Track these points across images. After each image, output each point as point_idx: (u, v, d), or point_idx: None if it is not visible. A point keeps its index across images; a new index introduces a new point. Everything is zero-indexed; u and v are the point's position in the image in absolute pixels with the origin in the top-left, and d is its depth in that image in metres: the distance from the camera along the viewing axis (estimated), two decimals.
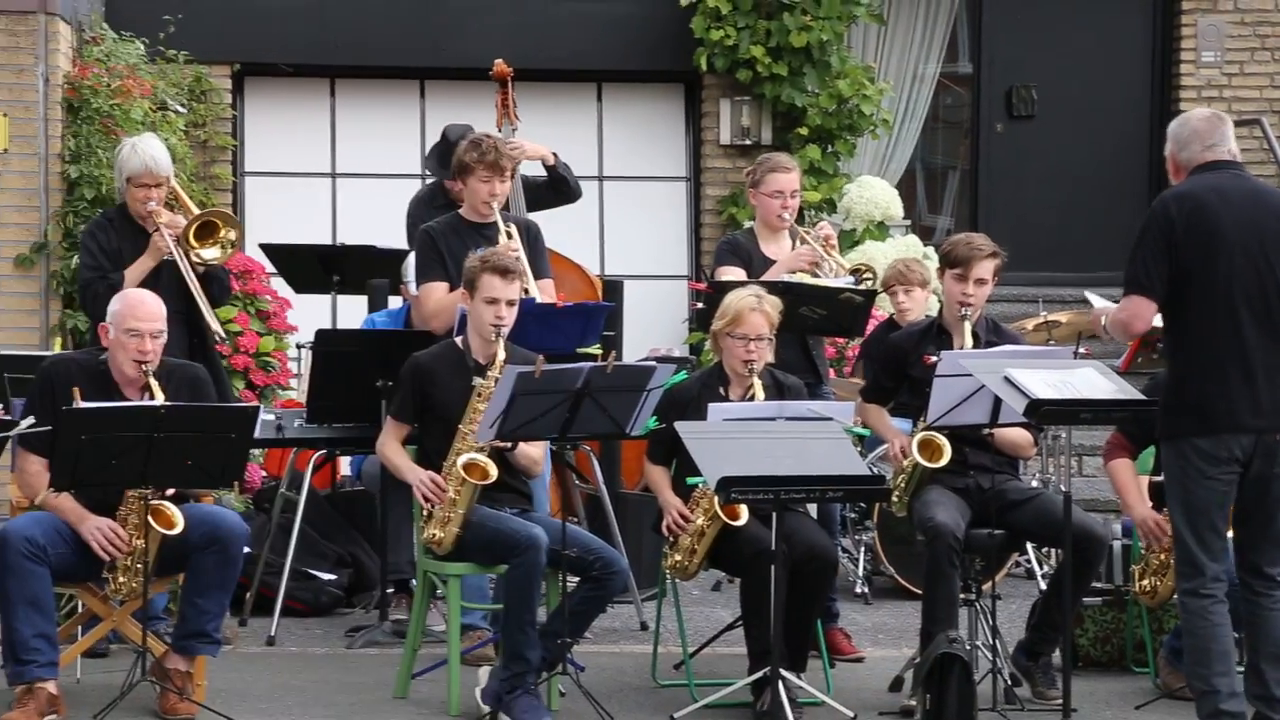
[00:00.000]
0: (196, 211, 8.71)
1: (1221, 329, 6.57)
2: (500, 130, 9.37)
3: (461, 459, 7.26)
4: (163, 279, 8.40)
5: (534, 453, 7.51)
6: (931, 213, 14.49)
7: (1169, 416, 6.66)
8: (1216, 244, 6.57)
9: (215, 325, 8.87)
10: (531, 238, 8.40)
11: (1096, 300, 7.28)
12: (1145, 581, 7.78)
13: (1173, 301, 6.64)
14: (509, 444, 7.30)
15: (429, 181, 10.08)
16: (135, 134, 9.62)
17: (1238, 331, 6.56)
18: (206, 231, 8.59)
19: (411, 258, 8.97)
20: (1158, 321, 6.78)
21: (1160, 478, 7.56)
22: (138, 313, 7.28)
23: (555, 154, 9.60)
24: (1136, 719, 7.48)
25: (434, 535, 7.33)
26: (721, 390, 7.70)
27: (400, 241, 9.66)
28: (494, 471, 7.24)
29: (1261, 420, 6.54)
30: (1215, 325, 6.58)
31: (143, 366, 7.22)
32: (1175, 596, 7.79)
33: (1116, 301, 6.98)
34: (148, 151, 8.52)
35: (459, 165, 8.33)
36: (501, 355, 7.35)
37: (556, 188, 9.56)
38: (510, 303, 7.45)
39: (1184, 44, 13.83)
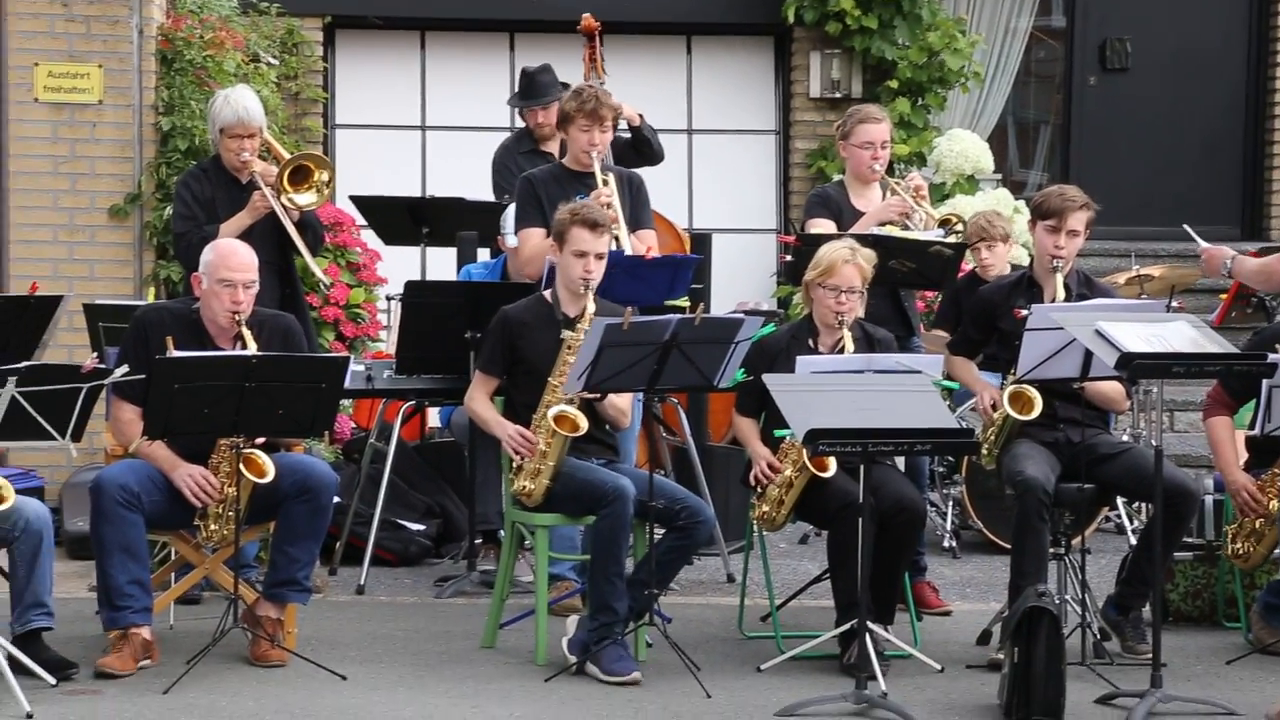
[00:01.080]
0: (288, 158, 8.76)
1: None
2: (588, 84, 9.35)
3: (552, 411, 7.28)
4: (256, 229, 8.47)
5: (621, 404, 7.52)
6: (1023, 167, 14.37)
7: None
8: None
9: (321, 275, 8.94)
10: (634, 189, 8.42)
11: (1201, 239, 7.10)
12: (1238, 545, 7.73)
13: None
14: (598, 395, 7.32)
15: (517, 127, 10.10)
16: (228, 85, 9.66)
17: None
18: (300, 176, 8.65)
19: (511, 209, 9.00)
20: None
21: (1255, 432, 7.53)
22: (230, 263, 7.33)
23: (642, 115, 9.60)
24: (1228, 674, 7.43)
25: (524, 487, 7.36)
26: (811, 342, 7.69)
27: (488, 192, 9.67)
28: (584, 424, 7.26)
29: None
30: None
31: (235, 316, 7.27)
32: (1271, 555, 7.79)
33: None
34: (241, 102, 8.58)
35: (561, 114, 8.38)
36: (591, 308, 7.36)
37: (639, 149, 9.55)
38: (599, 256, 7.45)
39: None
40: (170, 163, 10.47)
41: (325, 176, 8.67)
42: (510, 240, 8.84)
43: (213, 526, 7.20)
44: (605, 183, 8.19)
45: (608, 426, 7.60)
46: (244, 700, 6.80)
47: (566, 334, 7.36)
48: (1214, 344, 6.92)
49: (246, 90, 8.85)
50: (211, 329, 7.39)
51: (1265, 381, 7.27)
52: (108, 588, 7.07)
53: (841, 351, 7.54)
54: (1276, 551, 7.84)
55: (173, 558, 7.71)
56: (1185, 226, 7.42)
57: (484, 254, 9.79)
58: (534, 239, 8.31)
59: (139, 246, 10.56)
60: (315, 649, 7.37)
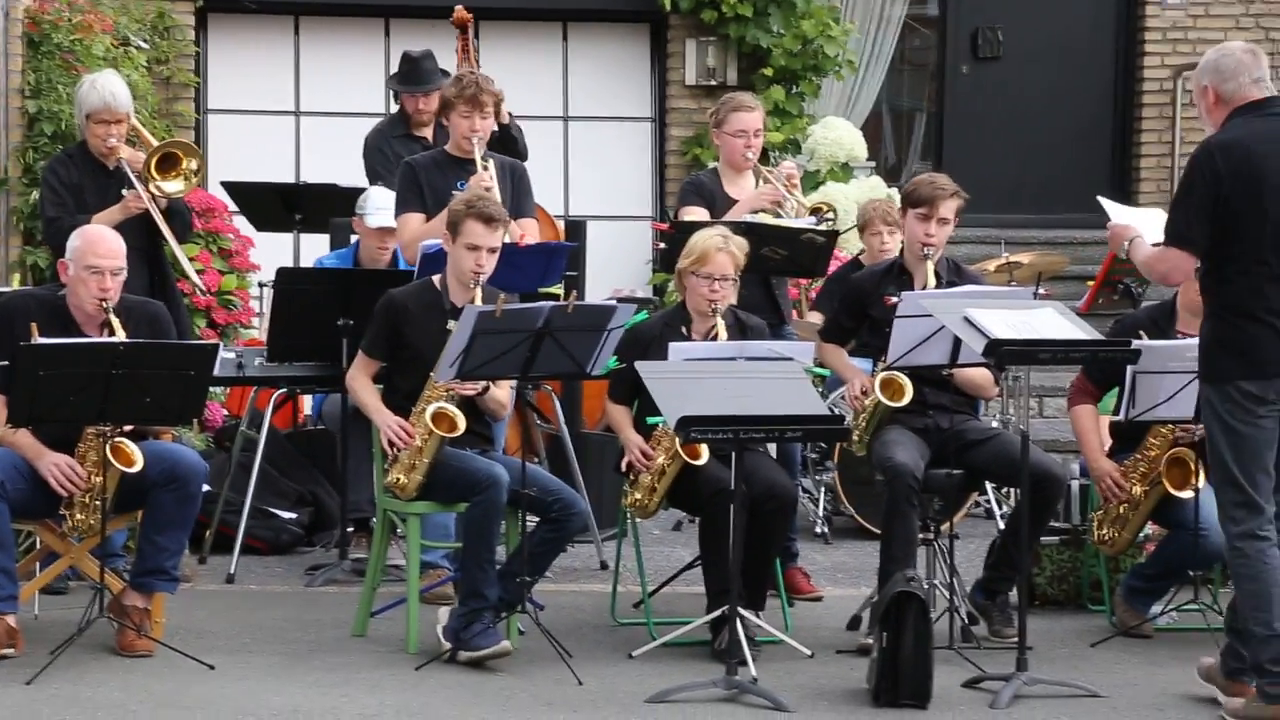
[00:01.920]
0: (156, 144, 8.68)
1: (1268, 275, 6.37)
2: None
3: (430, 408, 7.25)
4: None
5: (502, 396, 7.50)
6: (897, 155, 14.48)
7: (1213, 360, 6.48)
8: (1265, 193, 6.36)
9: (192, 274, 8.89)
10: (516, 178, 8.41)
11: (1114, 209, 7.10)
12: (1104, 531, 7.81)
13: (1217, 247, 6.45)
14: (480, 388, 7.29)
15: (390, 113, 10.07)
16: (96, 70, 9.56)
17: None
18: (168, 164, 8.58)
19: (372, 191, 8.98)
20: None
21: (1119, 417, 7.63)
22: (98, 249, 7.26)
23: (510, 114, 9.60)
24: (1092, 656, 7.53)
25: (398, 480, 7.33)
26: (684, 330, 7.71)
27: (361, 179, 9.62)
28: (462, 424, 7.23)
29: None
30: (1261, 271, 6.38)
31: (102, 304, 7.20)
32: (1141, 539, 7.91)
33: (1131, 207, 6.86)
34: (107, 88, 8.50)
35: (442, 101, 8.40)
36: (479, 302, 7.32)
37: (506, 146, 9.53)
38: (492, 250, 7.41)
39: None
40: (37, 147, 10.35)
41: (194, 165, 8.61)
42: (370, 220, 8.83)
43: (79, 515, 7.12)
44: (485, 168, 8.16)
45: (486, 417, 7.58)
46: (109, 690, 6.72)
47: (452, 325, 7.30)
48: (1080, 330, 6.99)
49: (113, 75, 8.77)
50: (78, 316, 7.31)
51: (1130, 367, 7.36)
52: None
53: (715, 339, 7.56)
54: (1140, 536, 7.97)
55: (38, 546, 7.61)
56: (1100, 199, 7.43)
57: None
58: (413, 224, 8.28)
59: (4, 232, 10.42)
60: (183, 638, 7.30)
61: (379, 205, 8.90)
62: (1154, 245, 6.68)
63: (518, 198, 8.31)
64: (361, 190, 9.54)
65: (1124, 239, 6.83)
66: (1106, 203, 7.32)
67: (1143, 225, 6.91)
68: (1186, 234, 6.46)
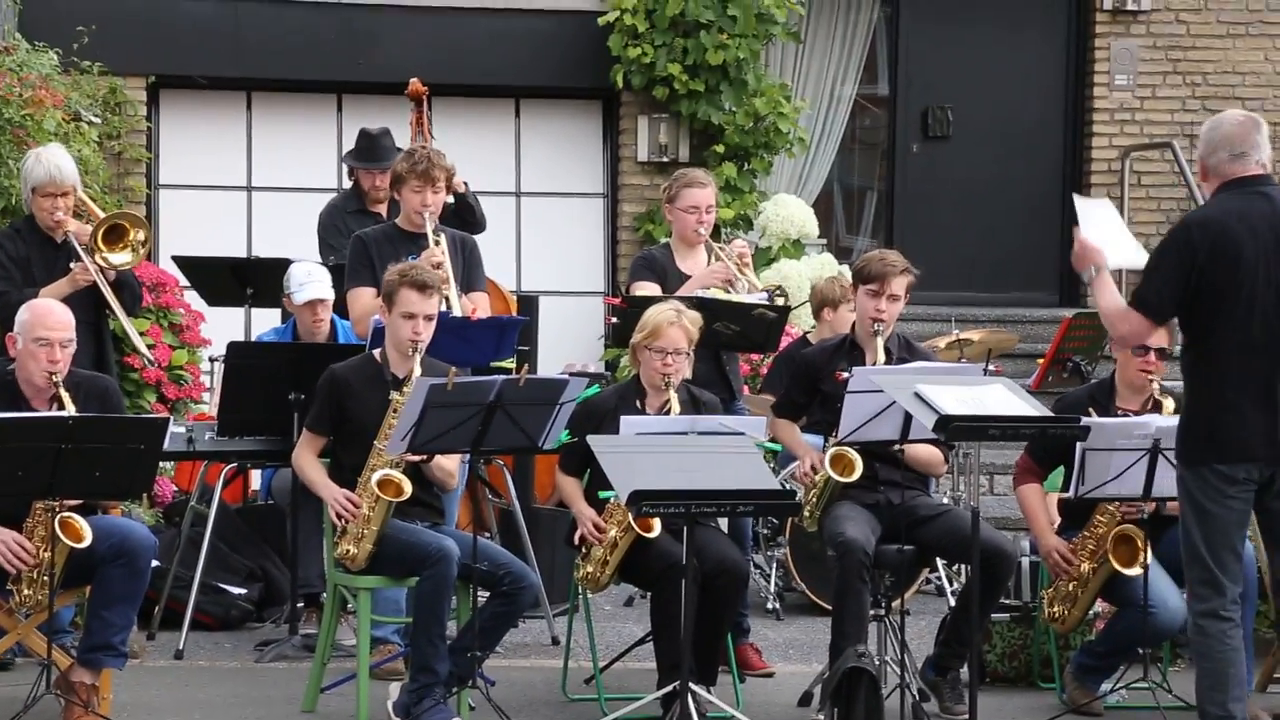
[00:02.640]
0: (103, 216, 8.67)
1: (1240, 360, 6.41)
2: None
3: (376, 475, 7.24)
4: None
5: (449, 465, 7.49)
6: (849, 233, 14.55)
7: (1187, 443, 6.52)
8: (1239, 274, 6.38)
9: (141, 346, 8.86)
10: (467, 251, 8.41)
11: (1086, 213, 7.00)
12: (1055, 608, 7.82)
13: (1193, 327, 6.50)
14: (425, 457, 7.29)
15: (344, 188, 10.09)
16: (46, 144, 9.53)
17: (1257, 363, 6.40)
18: (115, 235, 8.56)
19: (294, 268, 8.99)
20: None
21: (1068, 494, 7.65)
22: (47, 321, 7.24)
23: (466, 184, 9.62)
24: None
25: (348, 551, 7.31)
26: (638, 403, 7.72)
27: (313, 254, 9.62)
28: (409, 488, 7.22)
29: (1277, 451, 6.40)
30: (1234, 356, 6.41)
31: (52, 376, 7.16)
32: (1091, 617, 7.91)
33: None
34: (52, 161, 8.50)
35: (393, 176, 8.39)
36: (418, 370, 7.32)
37: (462, 216, 9.56)
38: (428, 318, 7.44)
39: (1097, 67, 13.98)
40: None
41: (141, 236, 8.59)
42: (297, 297, 8.84)
43: (26, 591, 7.05)
44: (437, 243, 8.18)
45: (435, 489, 7.57)
46: None
47: (394, 396, 7.32)
48: (1031, 407, 7.01)
49: (58, 149, 8.77)
50: (27, 390, 7.27)
51: (1080, 444, 7.39)
52: None
53: (668, 413, 7.57)
54: (1090, 613, 7.98)
55: None
56: (1075, 196, 7.37)
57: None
58: (364, 298, 8.27)
59: None
60: (132, 715, 7.26)
61: (301, 280, 8.94)
62: (1116, 297, 6.63)
63: (469, 270, 8.32)
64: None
65: (1092, 264, 6.76)
66: (1081, 202, 7.25)
67: (1113, 244, 6.88)
68: (1154, 301, 6.49)
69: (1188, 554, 6.53)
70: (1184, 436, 6.57)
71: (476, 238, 8.80)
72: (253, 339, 9.56)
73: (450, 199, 9.48)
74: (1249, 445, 6.41)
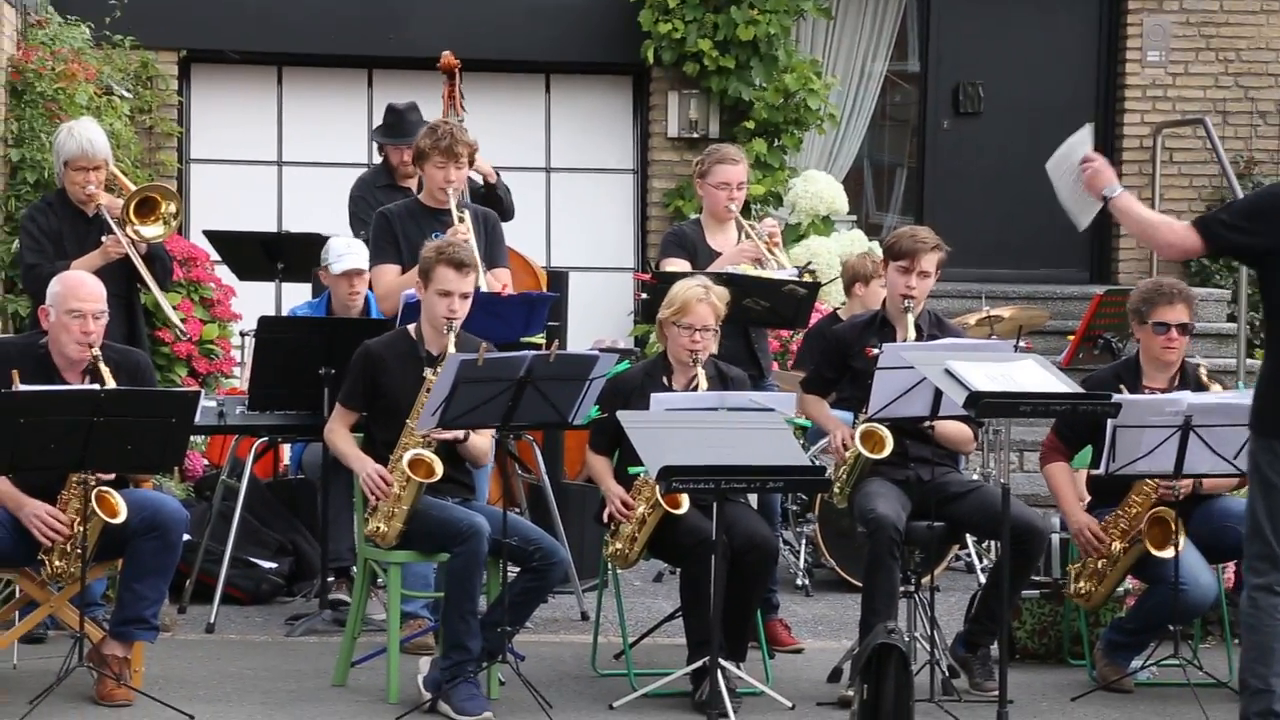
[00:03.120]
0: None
1: None
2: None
3: (408, 455, 7.24)
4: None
5: (483, 444, 7.50)
6: (879, 209, 14.52)
7: (1262, 414, 6.43)
8: None
9: (174, 318, 8.88)
10: (489, 227, 8.40)
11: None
12: (1081, 584, 7.81)
13: (1272, 297, 6.45)
14: (461, 435, 7.29)
15: (374, 163, 10.10)
16: (77, 118, 9.57)
17: None
18: (146, 208, 8.59)
19: (334, 240, 8.99)
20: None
21: (1098, 471, 7.64)
22: (79, 294, 7.25)
23: (498, 172, 9.62)
24: (1072, 711, 7.53)
25: (378, 529, 7.32)
26: (665, 379, 7.72)
27: (344, 228, 9.64)
28: (440, 469, 7.22)
29: None
30: None
31: (90, 348, 7.18)
32: (1121, 593, 7.91)
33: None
34: (84, 135, 8.52)
35: (416, 151, 8.36)
36: (453, 348, 7.32)
37: (491, 206, 9.54)
38: (464, 296, 7.42)
39: (1129, 43, 13.91)
40: (19, 195, 10.36)
41: (172, 208, 8.62)
42: (334, 267, 8.85)
43: (58, 563, 7.08)
44: (461, 219, 8.18)
45: (467, 465, 7.58)
46: None
47: (429, 373, 7.31)
48: (1061, 383, 7.00)
49: (90, 122, 8.79)
50: (60, 363, 7.30)
51: (1110, 421, 7.38)
52: None
53: (695, 389, 7.58)
54: (1119, 590, 7.97)
55: (17, 595, 7.58)
56: (1088, 126, 7.22)
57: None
58: (388, 275, 8.28)
59: None
60: (163, 688, 7.27)
61: (340, 252, 8.94)
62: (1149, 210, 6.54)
63: (491, 246, 8.31)
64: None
65: (1107, 182, 6.67)
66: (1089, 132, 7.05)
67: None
68: (1216, 228, 6.42)
69: (1250, 527, 6.48)
70: (1258, 407, 6.47)
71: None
72: (286, 313, 9.56)
73: (479, 180, 9.51)
74: None
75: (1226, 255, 6.36)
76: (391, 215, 8.36)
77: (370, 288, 8.74)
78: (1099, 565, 7.75)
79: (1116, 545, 7.69)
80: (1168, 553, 7.53)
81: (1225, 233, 6.45)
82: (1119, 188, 6.68)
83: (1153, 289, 7.91)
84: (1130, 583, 8.05)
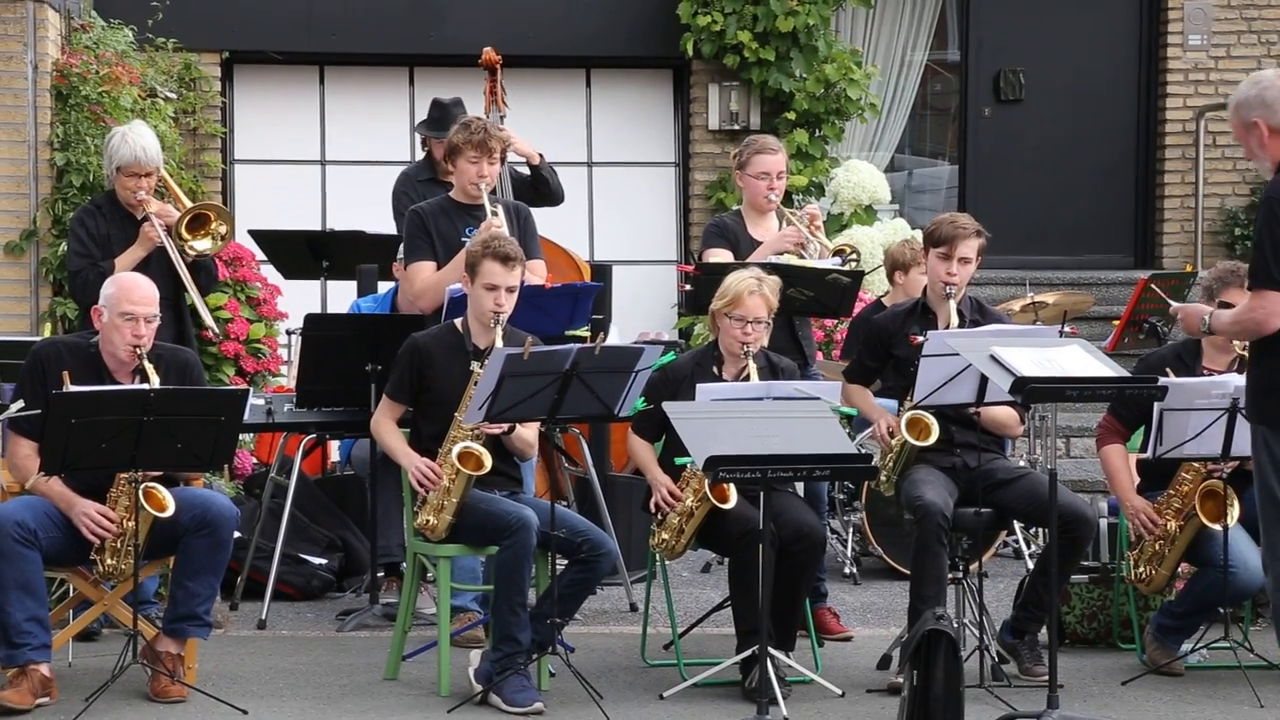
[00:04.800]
0: (185, 200, 8.79)
1: None
2: (489, 118, 9.39)
3: (456, 448, 7.28)
4: (152, 265, 8.48)
5: (529, 435, 7.53)
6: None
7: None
8: None
9: (209, 319, 8.93)
10: (521, 220, 8.42)
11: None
12: (1141, 569, 7.78)
13: None
14: (506, 428, 7.33)
15: (417, 159, 10.15)
16: (124, 121, 9.66)
17: None
18: (198, 223, 8.67)
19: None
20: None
21: (1146, 455, 7.62)
22: (133, 296, 7.31)
23: (541, 155, 9.64)
24: (1123, 695, 7.52)
25: (428, 521, 7.36)
26: (715, 370, 7.74)
27: (388, 226, 9.69)
28: (489, 461, 7.25)
29: None
30: None
31: (137, 350, 7.24)
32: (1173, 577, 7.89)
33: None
34: (138, 142, 8.56)
35: (449, 147, 8.38)
36: (499, 342, 7.34)
37: (538, 188, 9.57)
38: (510, 290, 7.45)
39: (1171, 27, 13.87)
40: (66, 198, 10.45)
41: (223, 229, 8.70)
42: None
43: (110, 561, 7.15)
44: (494, 214, 8.20)
45: (514, 458, 7.61)
46: None
47: (475, 367, 7.34)
48: (1107, 368, 6.97)
49: (144, 128, 8.83)
50: (110, 363, 7.35)
51: (1157, 405, 7.37)
52: (5, 625, 7.00)
53: (746, 380, 7.58)
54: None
55: (71, 594, 7.64)
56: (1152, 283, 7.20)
57: (385, 286, 9.78)
58: (425, 272, 8.31)
59: (35, 283, 10.52)
60: (216, 684, 7.33)
61: None
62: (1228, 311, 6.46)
63: (525, 241, 8.31)
64: (389, 238, 9.61)
65: (1200, 316, 6.58)
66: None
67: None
68: None
69: (1275, 516, 6.32)
70: (1276, 397, 6.28)
71: (550, 212, 8.81)
72: (349, 307, 9.61)
73: (526, 168, 9.54)
74: None
75: None
76: (425, 212, 8.39)
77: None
78: (1156, 547, 7.71)
79: (1172, 524, 7.67)
80: (1227, 522, 7.48)
81: None
82: (1206, 318, 6.58)
83: (1228, 271, 7.78)
84: (1180, 567, 8.03)
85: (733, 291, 7.63)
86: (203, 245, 8.63)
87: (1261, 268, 6.21)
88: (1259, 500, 6.44)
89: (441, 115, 9.81)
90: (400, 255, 8.98)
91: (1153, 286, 10.14)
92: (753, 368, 7.61)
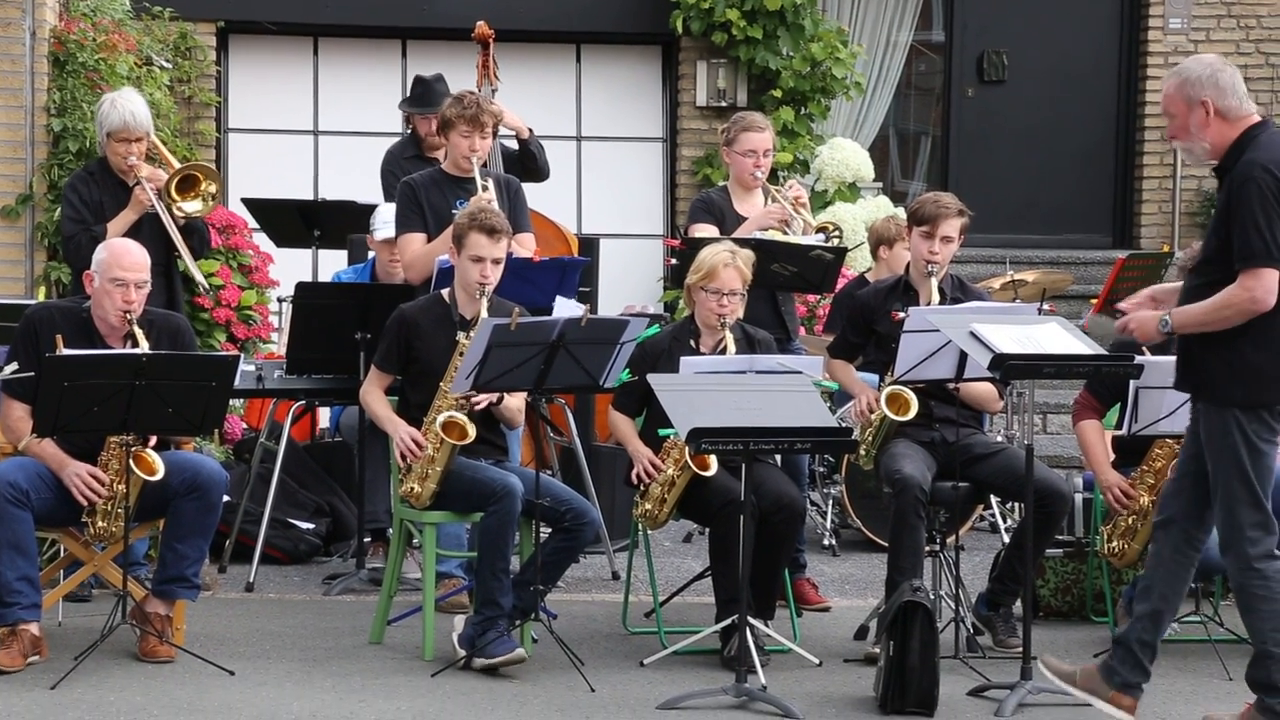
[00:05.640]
0: (177, 165, 8.83)
1: None
2: (480, 91, 9.47)
3: (441, 418, 7.37)
4: (144, 231, 8.51)
5: (517, 404, 7.61)
6: (904, 177, 14.62)
7: (1250, 384, 6.29)
8: None
9: (199, 276, 8.98)
10: (512, 193, 8.49)
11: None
12: (1114, 544, 7.85)
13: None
14: (495, 398, 7.43)
15: (404, 135, 10.23)
16: (119, 89, 9.70)
17: None
18: (188, 185, 8.72)
19: (382, 207, 9.11)
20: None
21: (1122, 432, 7.72)
22: (123, 262, 7.37)
23: (531, 130, 9.72)
24: None
25: (413, 489, 7.45)
26: (692, 343, 7.83)
27: (378, 198, 9.77)
28: (473, 431, 7.34)
29: None
30: None
31: (126, 315, 7.32)
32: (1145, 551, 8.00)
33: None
34: (127, 107, 8.62)
35: (441, 120, 8.46)
36: (485, 312, 7.42)
37: (525, 163, 9.64)
38: (496, 261, 7.53)
39: (1151, 10, 13.97)
40: (62, 164, 10.50)
41: (212, 188, 8.75)
42: (379, 234, 8.98)
43: (101, 523, 7.23)
44: (485, 188, 8.27)
45: (501, 426, 7.71)
46: (131, 695, 6.84)
47: (461, 337, 7.43)
48: (1085, 345, 7.05)
49: (133, 94, 8.89)
50: (102, 328, 7.43)
51: (1133, 383, 7.47)
52: None
53: (723, 352, 7.69)
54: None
55: (61, 554, 7.73)
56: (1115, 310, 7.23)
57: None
58: (415, 244, 8.39)
59: (30, 247, 10.58)
60: (204, 645, 7.41)
61: (386, 219, 9.03)
62: (1202, 303, 6.37)
63: (515, 214, 8.38)
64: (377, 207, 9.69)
65: (1156, 323, 6.50)
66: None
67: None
68: (1276, 250, 6.18)
69: (1239, 498, 6.34)
70: (1245, 379, 6.31)
71: (538, 185, 8.88)
72: (330, 278, 9.69)
73: (514, 142, 9.62)
74: None
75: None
76: (416, 185, 8.46)
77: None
78: (1130, 522, 7.79)
79: (1145, 500, 7.74)
80: None
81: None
82: (1166, 319, 6.49)
83: None
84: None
85: (707, 265, 7.72)
86: (192, 206, 8.69)
87: (1259, 245, 6.20)
88: (1221, 482, 6.41)
89: (424, 92, 9.87)
90: (373, 226, 9.08)
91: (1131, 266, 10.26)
92: (730, 339, 7.69)
